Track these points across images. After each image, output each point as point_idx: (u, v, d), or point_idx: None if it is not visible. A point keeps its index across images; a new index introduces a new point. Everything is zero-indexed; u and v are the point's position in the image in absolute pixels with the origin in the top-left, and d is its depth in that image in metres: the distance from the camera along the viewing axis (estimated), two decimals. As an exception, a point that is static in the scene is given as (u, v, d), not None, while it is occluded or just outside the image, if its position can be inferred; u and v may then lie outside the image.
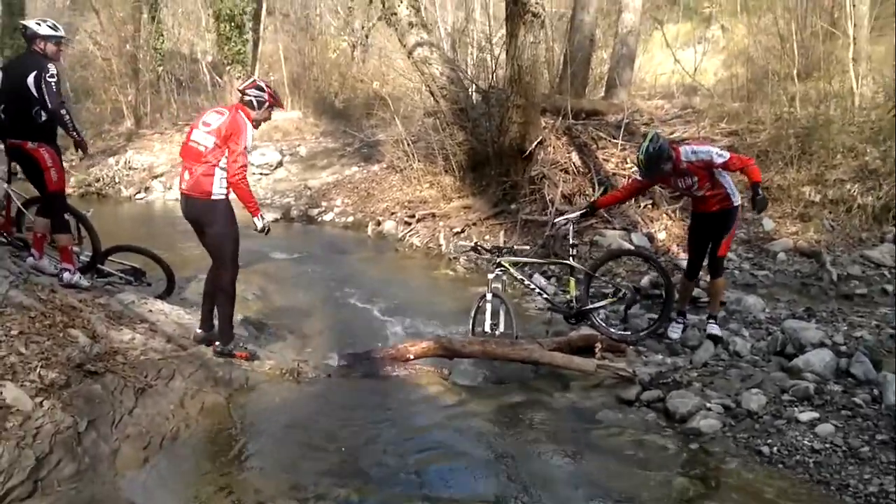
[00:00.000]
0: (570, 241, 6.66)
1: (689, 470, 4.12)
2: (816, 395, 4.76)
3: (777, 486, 3.90)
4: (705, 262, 6.16)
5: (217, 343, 5.31)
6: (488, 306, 6.18)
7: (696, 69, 13.79)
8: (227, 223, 5.09)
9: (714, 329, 5.98)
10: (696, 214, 6.14)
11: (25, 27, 5.63)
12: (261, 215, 5.20)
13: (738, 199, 5.88)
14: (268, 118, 5.39)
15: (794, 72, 10.58)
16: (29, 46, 5.63)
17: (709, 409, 4.74)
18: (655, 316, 6.50)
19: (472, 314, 6.30)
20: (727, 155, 5.73)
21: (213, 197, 4.97)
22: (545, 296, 6.70)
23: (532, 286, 6.71)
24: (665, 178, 6.03)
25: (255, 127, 5.20)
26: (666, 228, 9.01)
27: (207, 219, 5.07)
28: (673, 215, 9.15)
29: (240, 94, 5.24)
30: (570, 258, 6.59)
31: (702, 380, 5.27)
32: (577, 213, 6.80)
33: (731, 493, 3.86)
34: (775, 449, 4.25)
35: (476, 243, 6.86)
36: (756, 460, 4.20)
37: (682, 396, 4.92)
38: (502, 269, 6.42)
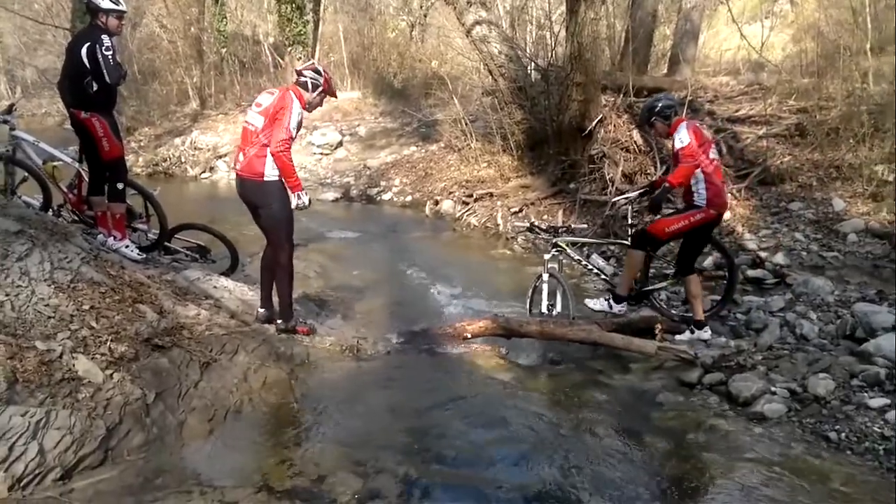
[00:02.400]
0: (629, 222, 6.56)
1: (752, 455, 4.02)
2: (888, 381, 4.58)
3: (845, 472, 3.80)
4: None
5: (279, 321, 5.41)
6: (545, 287, 6.16)
7: (762, 44, 13.31)
8: (281, 203, 5.14)
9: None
10: None
11: (90, 0, 5.78)
12: (301, 192, 5.13)
13: (700, 199, 5.59)
14: (320, 104, 5.39)
15: (868, 46, 10.11)
16: (91, 20, 5.78)
17: (773, 394, 4.63)
18: (718, 297, 6.37)
19: (529, 294, 6.29)
20: (685, 143, 5.41)
21: (265, 178, 5.03)
22: (603, 276, 6.62)
23: (590, 267, 6.63)
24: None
25: (308, 110, 5.23)
26: (730, 208, 8.77)
27: (261, 200, 5.13)
28: (738, 194, 8.91)
29: (296, 75, 5.28)
30: (629, 238, 6.50)
31: (766, 363, 5.13)
32: (637, 193, 6.71)
33: (797, 479, 3.76)
34: (843, 435, 4.13)
35: (532, 223, 6.79)
36: (823, 446, 4.09)
37: (746, 380, 4.81)
38: (558, 249, 6.38)
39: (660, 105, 5.81)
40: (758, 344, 5.57)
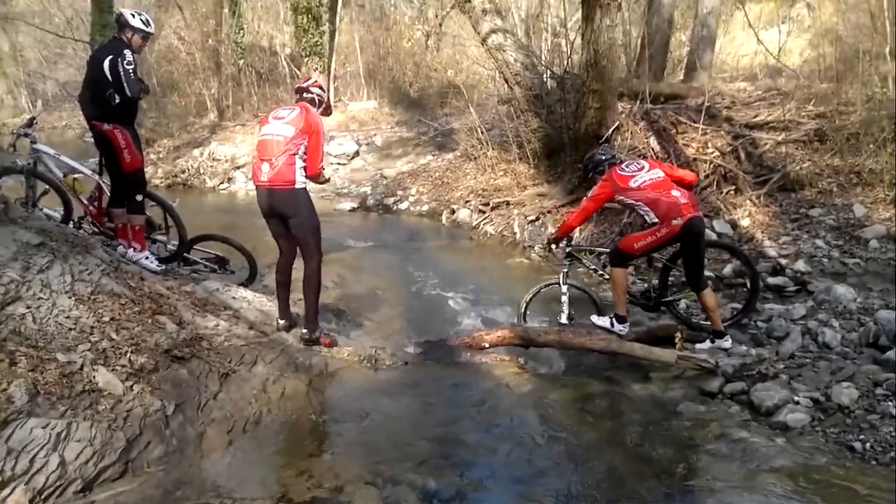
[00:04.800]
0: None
1: (775, 465, 3.97)
2: (913, 390, 4.53)
3: (870, 482, 3.73)
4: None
5: (304, 330, 5.42)
6: (564, 297, 6.15)
7: (780, 49, 13.25)
8: (311, 212, 5.19)
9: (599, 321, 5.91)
10: None
11: (121, 14, 5.85)
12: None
13: (652, 219, 5.67)
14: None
15: (887, 50, 10.03)
16: (117, 33, 5.85)
17: (796, 403, 4.57)
18: (739, 306, 6.32)
19: (526, 300, 6.35)
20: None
21: (296, 185, 5.06)
22: None
23: (605, 275, 6.59)
24: None
25: None
26: (750, 215, 8.71)
27: (293, 209, 5.13)
28: (757, 201, 8.84)
29: (299, 92, 5.36)
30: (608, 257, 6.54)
31: (788, 372, 5.08)
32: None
33: (821, 489, 3.70)
34: (868, 445, 4.07)
35: (548, 240, 6.80)
36: (847, 456, 4.03)
37: (768, 389, 4.75)
38: (570, 259, 6.41)
39: (594, 161, 6.22)
40: (779, 352, 5.51)
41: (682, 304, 6.52)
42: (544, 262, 9.07)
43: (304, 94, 5.30)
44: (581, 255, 6.50)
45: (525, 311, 6.38)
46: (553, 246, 6.60)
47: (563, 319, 6.14)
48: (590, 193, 6.05)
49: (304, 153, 5.09)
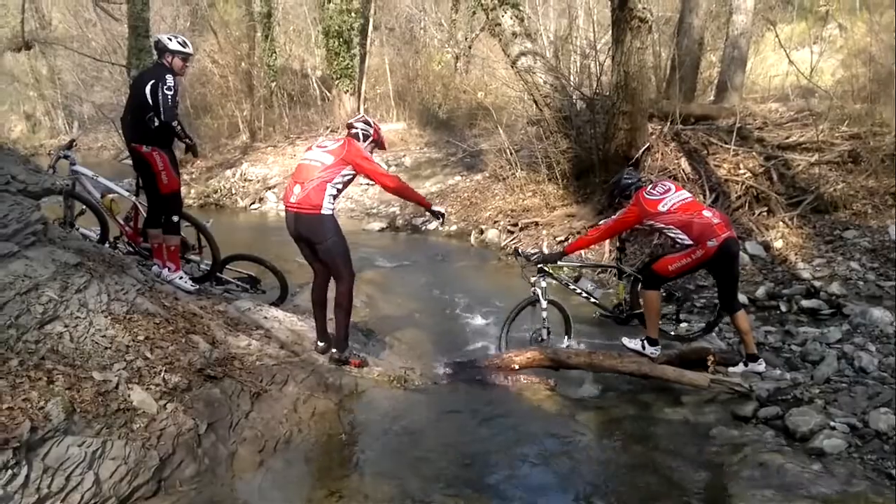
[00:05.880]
0: (618, 246, 6.60)
1: (811, 492, 3.90)
2: (953, 416, 4.42)
3: (911, 512, 3.65)
4: None
5: (334, 350, 5.46)
6: (544, 314, 6.06)
7: (812, 70, 13.15)
8: (337, 236, 5.22)
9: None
10: None
11: (158, 40, 5.99)
12: (433, 206, 5.64)
13: (685, 241, 5.54)
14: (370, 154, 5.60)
15: (922, 70, 9.94)
16: (158, 58, 5.98)
17: (833, 428, 4.48)
18: (771, 328, 6.25)
19: (510, 317, 6.22)
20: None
21: (322, 211, 5.11)
22: (593, 300, 6.51)
23: (578, 291, 6.50)
24: None
25: None
26: (783, 237, 8.61)
27: (318, 235, 5.18)
28: (790, 223, 8.74)
29: (348, 127, 5.49)
30: (618, 261, 6.49)
31: (824, 397, 4.98)
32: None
33: (859, 518, 3.64)
34: (907, 472, 3.98)
35: (516, 248, 6.65)
36: (885, 483, 3.94)
37: (804, 414, 4.66)
38: (543, 273, 6.21)
39: (619, 186, 6.02)
40: (814, 377, 5.42)
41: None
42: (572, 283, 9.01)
43: (350, 130, 5.45)
44: (555, 270, 6.32)
45: (506, 333, 6.18)
46: (523, 259, 6.39)
47: (544, 336, 6.04)
48: (616, 215, 5.96)
49: (343, 183, 5.21)
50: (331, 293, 5.47)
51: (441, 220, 5.89)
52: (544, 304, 6.09)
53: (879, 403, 4.70)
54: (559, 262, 6.44)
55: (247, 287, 7.16)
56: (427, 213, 5.43)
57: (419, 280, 9.38)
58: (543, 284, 6.15)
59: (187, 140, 6.15)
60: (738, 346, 5.95)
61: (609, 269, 7.02)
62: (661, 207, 5.57)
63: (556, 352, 5.77)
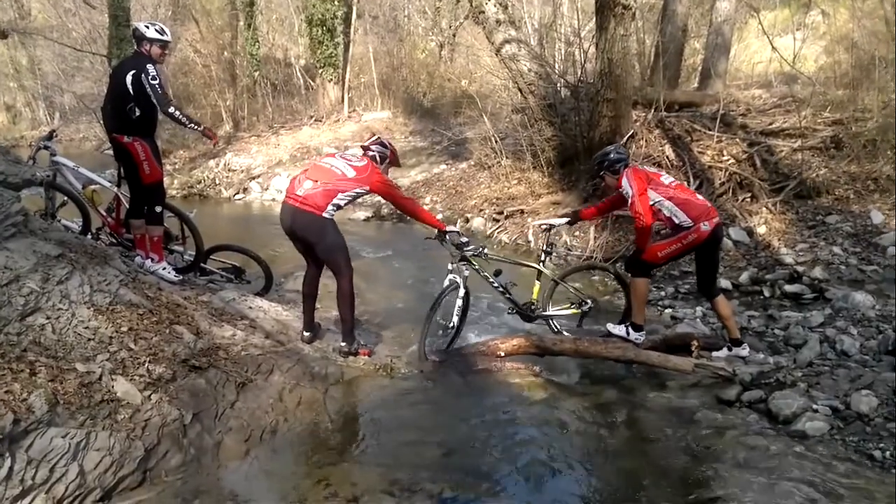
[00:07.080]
0: (544, 248, 6.54)
1: (794, 474, 3.94)
2: (933, 398, 4.48)
3: (890, 491, 3.69)
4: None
5: (342, 343, 5.53)
6: (459, 301, 5.90)
7: (795, 56, 13.20)
8: (335, 234, 5.29)
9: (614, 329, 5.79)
10: None
11: (136, 28, 5.93)
12: (450, 229, 5.74)
13: (682, 220, 5.47)
14: (386, 173, 5.66)
15: (904, 56, 10.00)
16: (136, 47, 5.92)
17: (815, 411, 4.53)
18: (754, 313, 6.27)
19: (426, 325, 5.88)
20: (630, 195, 5.49)
21: (323, 214, 5.17)
22: (507, 295, 6.35)
23: (495, 284, 6.26)
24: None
25: None
26: (766, 222, 8.68)
27: (315, 236, 5.25)
28: (773, 208, 8.80)
29: (364, 150, 5.57)
30: (541, 263, 6.44)
31: (807, 380, 5.05)
32: (563, 221, 6.79)
33: (840, 499, 3.67)
34: (888, 454, 4.03)
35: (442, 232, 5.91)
36: (867, 465, 4.00)
37: (786, 397, 4.72)
38: (465, 262, 5.99)
39: (609, 159, 5.76)
40: (797, 360, 5.48)
41: (564, 322, 6.46)
42: (559, 269, 9.04)
43: (368, 152, 5.53)
44: (475, 261, 6.03)
45: (427, 331, 5.86)
46: (452, 247, 5.93)
47: (455, 322, 5.90)
48: (631, 191, 5.43)
49: (350, 199, 5.32)
50: (324, 285, 5.50)
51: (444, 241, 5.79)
52: (462, 292, 5.92)
53: (861, 386, 4.76)
54: (483, 254, 6.05)
55: (231, 277, 7.13)
56: (443, 233, 5.44)
57: (405, 269, 9.38)
58: (466, 273, 5.97)
59: (195, 126, 6.03)
60: (721, 332, 5.99)
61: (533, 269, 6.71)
62: (664, 180, 5.60)
63: (542, 339, 5.79)
